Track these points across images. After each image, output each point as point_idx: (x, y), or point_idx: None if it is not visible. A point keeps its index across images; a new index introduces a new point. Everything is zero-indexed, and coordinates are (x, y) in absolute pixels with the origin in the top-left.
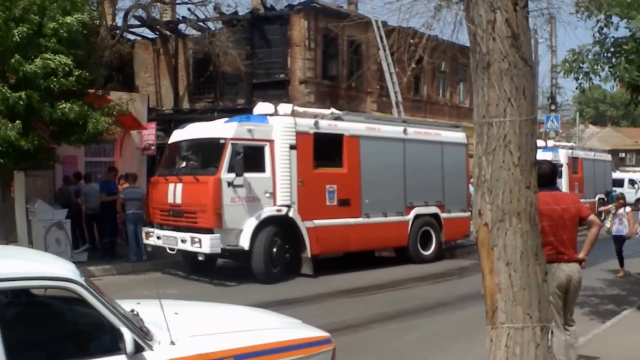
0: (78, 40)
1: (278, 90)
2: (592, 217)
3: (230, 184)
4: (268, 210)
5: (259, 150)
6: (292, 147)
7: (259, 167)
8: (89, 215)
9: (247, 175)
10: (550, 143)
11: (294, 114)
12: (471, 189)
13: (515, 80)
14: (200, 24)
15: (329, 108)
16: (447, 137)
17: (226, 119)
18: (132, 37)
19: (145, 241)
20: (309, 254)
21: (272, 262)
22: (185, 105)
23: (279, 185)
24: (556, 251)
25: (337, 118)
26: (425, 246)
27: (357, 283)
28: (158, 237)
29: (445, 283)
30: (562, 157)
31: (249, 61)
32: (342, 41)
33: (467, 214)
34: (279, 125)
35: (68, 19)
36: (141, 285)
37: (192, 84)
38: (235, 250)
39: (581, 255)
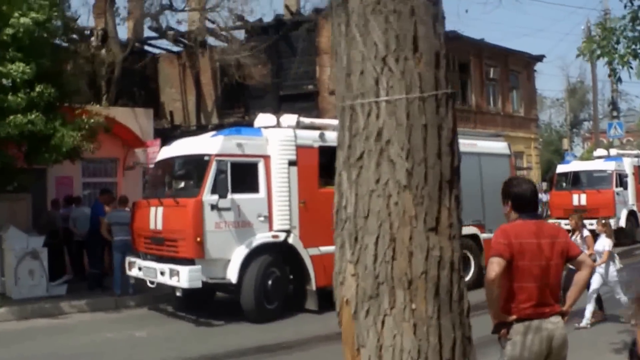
0: (41, 47)
1: (307, 103)
2: (582, 256)
3: (214, 207)
4: (261, 237)
5: (251, 168)
6: (291, 163)
7: (251, 186)
8: (79, 242)
9: (236, 196)
10: (614, 152)
11: (298, 125)
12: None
13: (395, 24)
14: (224, 33)
15: None
16: (485, 148)
17: (214, 132)
18: (157, 50)
19: (128, 272)
20: (313, 287)
21: (266, 297)
22: (215, 120)
23: (275, 207)
24: (535, 302)
25: None
26: (464, 272)
27: None
28: (139, 268)
29: (472, 319)
30: (627, 166)
31: (275, 72)
32: None
33: None
34: (274, 138)
35: (22, 20)
36: (112, 324)
37: (221, 99)
38: (222, 284)
39: (566, 306)
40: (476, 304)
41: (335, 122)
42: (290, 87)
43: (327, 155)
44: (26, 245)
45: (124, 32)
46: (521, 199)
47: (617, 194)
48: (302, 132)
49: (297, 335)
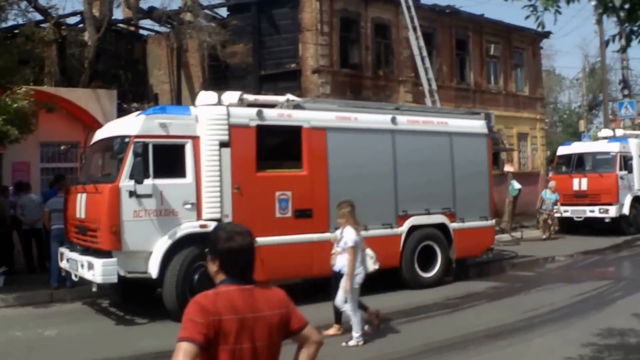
0: None
1: (289, 82)
2: (309, 329)
3: (132, 193)
4: (187, 227)
5: (177, 150)
6: (223, 145)
7: (176, 171)
8: (27, 230)
9: (159, 182)
10: (620, 132)
11: (242, 103)
12: (546, 195)
13: None
14: (207, 12)
15: (349, 99)
16: (458, 127)
17: (139, 112)
18: (144, 32)
19: (60, 264)
20: None
21: (192, 294)
22: None
23: (205, 193)
24: None
25: (297, 106)
26: (429, 266)
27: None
28: (67, 260)
29: (421, 323)
30: (633, 147)
31: (257, 51)
32: (365, 24)
33: (489, 222)
34: (204, 117)
35: None
36: (30, 321)
37: (208, 80)
38: (143, 279)
39: None
40: (433, 303)
41: (282, 99)
42: (272, 66)
43: (266, 135)
44: None
45: (118, 14)
46: (233, 258)
47: (621, 178)
48: (236, 110)
49: None
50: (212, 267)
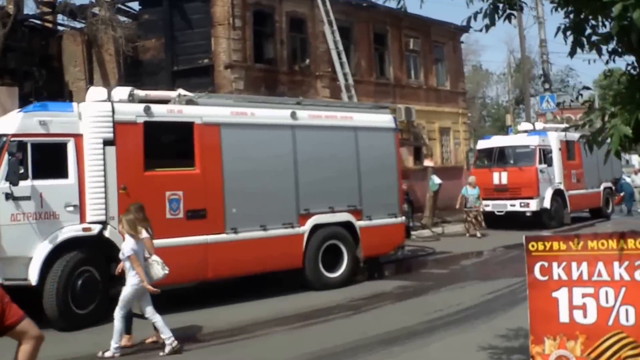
0: None
1: (202, 78)
2: (26, 323)
3: (9, 196)
4: (69, 230)
5: (58, 149)
6: (107, 143)
7: (58, 171)
8: None
9: (38, 183)
10: (540, 125)
11: (133, 99)
12: (467, 191)
13: None
14: (120, 6)
15: (265, 95)
16: (363, 121)
17: (20, 109)
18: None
19: None
20: None
21: (75, 301)
22: None
23: (88, 195)
24: None
25: (189, 101)
26: (334, 266)
27: (191, 330)
28: None
29: (317, 327)
30: (553, 141)
31: (169, 46)
32: (280, 18)
33: (399, 219)
34: (87, 113)
35: None
36: None
37: (124, 77)
38: (23, 286)
39: None
40: (335, 305)
41: (174, 94)
42: (184, 61)
43: (155, 132)
44: None
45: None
46: None
47: (541, 171)
48: (122, 106)
49: (88, 348)
50: None
